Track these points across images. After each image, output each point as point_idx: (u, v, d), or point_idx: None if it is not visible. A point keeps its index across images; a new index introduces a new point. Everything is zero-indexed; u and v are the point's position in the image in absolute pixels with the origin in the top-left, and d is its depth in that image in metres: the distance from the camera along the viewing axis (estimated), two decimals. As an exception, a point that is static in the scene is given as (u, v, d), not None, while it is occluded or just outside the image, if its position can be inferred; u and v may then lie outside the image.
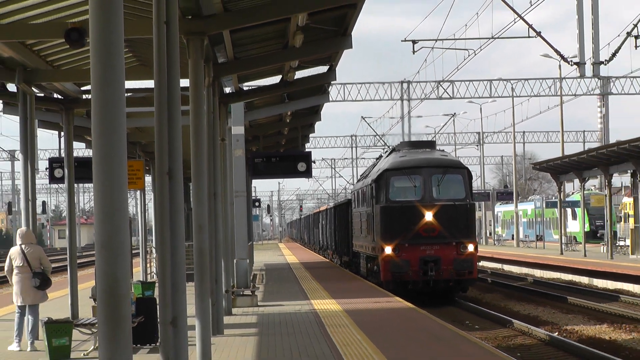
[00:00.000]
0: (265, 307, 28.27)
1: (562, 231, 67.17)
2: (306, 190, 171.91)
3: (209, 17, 18.40)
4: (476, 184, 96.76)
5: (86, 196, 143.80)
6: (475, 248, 34.92)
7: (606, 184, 56.72)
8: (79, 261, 25.76)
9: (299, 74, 28.81)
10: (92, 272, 43.52)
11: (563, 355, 23.49)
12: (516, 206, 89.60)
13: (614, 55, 38.30)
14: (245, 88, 30.02)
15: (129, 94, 25.46)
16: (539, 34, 40.91)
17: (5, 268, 19.60)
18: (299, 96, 32.97)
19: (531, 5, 44.74)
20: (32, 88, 22.29)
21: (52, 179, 29.50)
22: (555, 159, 61.31)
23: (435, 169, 34.96)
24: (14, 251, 19.36)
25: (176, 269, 13.26)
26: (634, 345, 24.82)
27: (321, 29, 23.04)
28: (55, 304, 26.81)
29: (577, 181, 60.78)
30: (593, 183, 79.93)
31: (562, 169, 59.69)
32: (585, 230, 67.15)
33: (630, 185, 61.02)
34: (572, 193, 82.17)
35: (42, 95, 24.59)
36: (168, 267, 13.22)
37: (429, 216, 33.87)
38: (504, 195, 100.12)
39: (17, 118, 22.63)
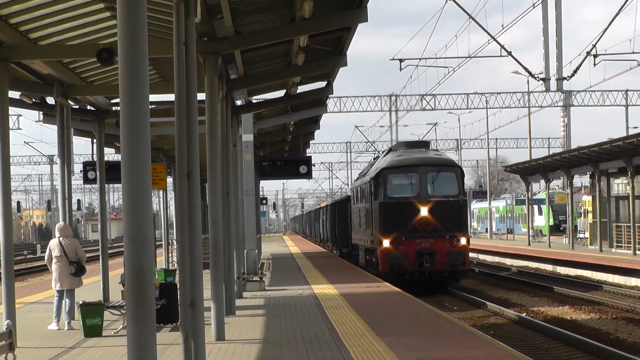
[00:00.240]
0: (271, 291, 28.25)
1: (530, 225, 67.27)
2: (307, 190, 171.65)
3: (223, 39, 18.38)
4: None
5: (115, 195, 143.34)
6: (468, 241, 33.71)
7: (568, 184, 56.73)
8: (109, 252, 25.74)
9: (301, 89, 28.81)
10: (121, 261, 43.57)
11: (530, 332, 23.46)
12: (490, 203, 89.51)
13: (575, 72, 38.26)
14: (254, 101, 29.97)
15: (152, 106, 25.41)
16: (509, 53, 40.86)
17: (46, 258, 19.62)
18: (301, 108, 32.93)
19: (503, 28, 44.79)
20: (68, 101, 22.26)
21: (86, 180, 29.53)
22: (524, 162, 61.32)
23: (430, 167, 33.57)
24: (53, 243, 19.37)
25: (194, 258, 13.24)
26: (592, 324, 24.80)
27: (320, 49, 23.02)
28: (89, 288, 26.77)
29: (542, 182, 60.70)
30: (557, 183, 79.88)
31: (529, 171, 59.64)
32: (550, 224, 67.18)
33: (589, 185, 61.10)
34: (539, 192, 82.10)
35: (77, 107, 24.57)
36: (187, 256, 13.20)
37: (424, 211, 32.58)
38: (479, 194, 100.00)
39: (55, 127, 22.60)
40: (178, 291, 14.72)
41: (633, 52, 46.51)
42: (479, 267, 50.88)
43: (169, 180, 40.40)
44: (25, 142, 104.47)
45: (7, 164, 17.38)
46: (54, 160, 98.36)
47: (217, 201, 18.15)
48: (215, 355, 15.30)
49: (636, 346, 20.89)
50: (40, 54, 18.18)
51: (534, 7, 40.50)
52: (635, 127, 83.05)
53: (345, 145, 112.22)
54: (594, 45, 39.88)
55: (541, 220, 79.46)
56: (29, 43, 17.76)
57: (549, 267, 47.05)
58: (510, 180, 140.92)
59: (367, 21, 18.72)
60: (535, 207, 79.13)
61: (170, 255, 40.88)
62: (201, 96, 18.57)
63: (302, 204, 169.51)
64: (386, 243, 32.48)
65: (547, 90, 40.11)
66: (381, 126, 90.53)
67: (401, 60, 53.45)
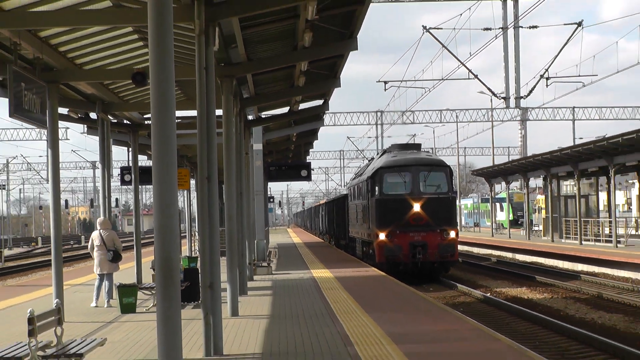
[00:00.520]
0: (277, 274, 28.24)
1: (493, 219, 67.35)
2: (307, 190, 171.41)
3: (237, 64, 18.37)
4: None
5: (147, 194, 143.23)
6: (457, 234, 31.86)
7: (525, 185, 56.71)
8: (142, 242, 25.68)
9: (302, 106, 28.80)
10: (151, 249, 43.43)
11: (493, 309, 23.47)
12: (459, 202, 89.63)
13: (530, 92, 38.41)
14: (263, 116, 29.96)
15: (178, 120, 25.41)
16: (476, 76, 40.95)
17: (89, 247, 19.65)
18: (302, 122, 32.91)
19: (470, 56, 44.89)
20: (108, 116, 22.26)
21: (123, 182, 29.50)
22: (488, 167, 61.30)
23: (422, 167, 31.75)
24: (95, 234, 19.42)
25: (213, 247, 13.21)
26: (545, 302, 24.85)
27: (318, 73, 23.01)
28: (125, 273, 26.71)
29: (503, 183, 60.63)
30: (515, 184, 79.82)
31: (492, 174, 59.62)
32: (510, 219, 67.29)
33: (542, 186, 61.14)
34: (500, 192, 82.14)
35: (115, 121, 24.56)
36: (207, 245, 13.17)
37: (417, 207, 30.74)
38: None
39: (97, 138, 22.60)
40: (199, 275, 14.70)
41: (579, 76, 46.58)
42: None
43: (192, 182, 40.36)
44: (72, 150, 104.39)
45: (57, 169, 17.39)
46: (96, 165, 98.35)
47: (232, 200, 18.14)
48: (231, 328, 15.29)
49: (582, 320, 20.91)
50: (84, 77, 18.17)
51: (496, 38, 40.55)
52: (581, 138, 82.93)
53: (339, 153, 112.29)
54: (547, 70, 39.96)
55: (502, 216, 79.57)
56: (75, 67, 17.76)
57: (509, 255, 47.07)
58: (476, 182, 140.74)
59: (357, 49, 18.74)
60: (498, 204, 79.20)
61: (192, 244, 40.80)
62: (219, 112, 18.57)
63: (303, 202, 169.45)
64: (382, 236, 30.81)
65: (507, 107, 40.23)
66: (369, 137, 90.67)
67: (385, 82, 53.63)
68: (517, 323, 20.71)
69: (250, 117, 27.82)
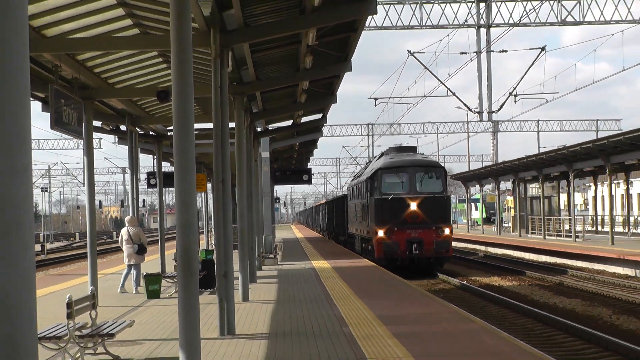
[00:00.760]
0: (282, 265, 28.24)
1: (469, 217, 67.40)
2: (308, 192, 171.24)
3: (247, 83, 18.39)
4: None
5: (169, 196, 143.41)
6: (451, 231, 29.60)
7: (496, 188, 56.70)
8: (165, 236, 25.69)
9: (304, 119, 28.84)
10: (174, 243, 43.50)
11: (468, 294, 23.48)
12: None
13: (501, 107, 38.41)
14: (269, 128, 30.00)
15: (196, 132, 25.45)
16: (454, 94, 41.00)
17: (119, 241, 19.77)
18: (303, 133, 32.94)
19: (449, 76, 45.03)
20: (136, 128, 22.27)
21: (149, 185, 29.62)
22: (464, 172, 61.36)
23: (419, 168, 29.75)
24: (123, 230, 19.50)
25: (227, 241, 13.21)
26: (513, 289, 24.85)
27: (317, 91, 23.05)
28: (151, 263, 26.71)
29: (478, 186, 60.64)
30: (488, 187, 79.98)
31: (468, 178, 59.62)
32: (483, 217, 67.28)
33: (511, 188, 61.18)
34: (475, 194, 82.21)
35: (142, 132, 24.57)
36: (222, 240, 13.17)
37: (413, 206, 28.79)
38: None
39: (126, 147, 22.60)
40: (215, 265, 14.70)
41: (542, 93, 46.62)
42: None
43: (209, 185, 40.43)
44: (105, 157, 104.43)
45: (92, 174, 17.40)
46: (126, 171, 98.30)
47: (243, 200, 18.15)
48: (242, 311, 15.28)
49: (546, 304, 20.90)
50: (115, 94, 18.20)
51: (471, 60, 40.57)
52: (545, 147, 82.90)
53: (335, 160, 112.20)
54: (515, 88, 39.98)
55: (477, 214, 79.55)
56: (107, 86, 17.77)
57: (482, 247, 47.07)
58: (454, 185, 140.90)
59: (351, 70, 18.78)
60: (473, 204, 79.24)
61: (209, 239, 40.82)
62: (231, 124, 18.62)
63: (305, 202, 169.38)
64: (381, 233, 28.83)
65: (481, 120, 40.21)
66: (362, 146, 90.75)
67: (375, 99, 53.68)
68: (490, 307, 20.71)
69: (258, 129, 27.86)
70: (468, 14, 38.05)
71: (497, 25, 37.94)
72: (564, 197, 55.03)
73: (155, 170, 26.90)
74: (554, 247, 35.72)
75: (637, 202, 65.90)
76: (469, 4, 38.15)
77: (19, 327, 3.64)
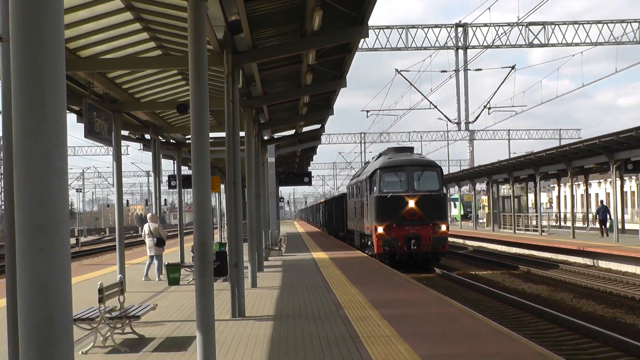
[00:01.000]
0: (286, 256, 28.23)
1: (448, 214, 67.43)
2: (309, 192, 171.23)
3: (255, 97, 18.39)
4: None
5: (187, 196, 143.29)
6: (447, 228, 27.24)
7: (472, 188, 56.73)
8: (184, 231, 25.69)
9: (305, 129, 28.85)
10: (191, 237, 43.63)
11: (449, 282, 23.47)
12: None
13: (476, 118, 38.40)
14: (275, 136, 29.99)
15: (211, 140, 25.44)
16: (435, 106, 40.96)
17: (142, 235, 19.76)
18: (304, 141, 32.97)
19: (431, 91, 45.10)
20: (158, 137, 22.26)
21: (169, 186, 29.50)
22: (445, 175, 61.44)
23: (416, 167, 27.44)
24: (146, 226, 19.53)
25: (238, 235, 13.21)
26: (488, 277, 24.84)
27: (316, 104, 23.04)
28: (172, 255, 26.73)
29: (456, 187, 60.65)
30: (465, 188, 80.00)
31: (448, 180, 59.61)
32: (461, 214, 67.33)
33: (485, 189, 61.19)
34: (454, 194, 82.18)
35: (164, 140, 24.57)
36: (233, 234, 13.16)
37: (411, 203, 26.61)
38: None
39: (150, 153, 22.60)
40: (227, 256, 14.70)
41: (512, 106, 46.62)
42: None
43: (222, 186, 40.45)
44: (131, 162, 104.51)
45: (120, 176, 17.40)
46: (149, 174, 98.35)
47: (252, 200, 18.14)
48: (251, 297, 15.27)
49: (516, 290, 20.89)
50: (140, 107, 18.19)
51: (450, 78, 40.54)
52: (515, 153, 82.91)
53: (332, 164, 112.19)
54: (488, 102, 39.95)
55: (455, 211, 79.57)
56: (133, 100, 17.77)
57: (460, 241, 47.05)
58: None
59: (346, 86, 18.78)
60: (452, 203, 79.25)
61: (222, 233, 40.81)
62: (242, 134, 18.63)
63: (306, 201, 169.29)
64: (380, 230, 26.60)
65: (459, 129, 40.18)
66: (355, 152, 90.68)
67: (367, 111, 53.68)
68: (468, 292, 20.69)
69: (265, 137, 27.87)
70: (447, 37, 38.02)
71: (473, 47, 37.93)
72: (531, 196, 55.04)
73: (175, 173, 26.93)
74: (523, 240, 35.71)
75: (594, 201, 65.87)
76: (448, 29, 38.12)
77: (57, 309, 3.64)
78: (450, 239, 49.70)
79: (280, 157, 37.56)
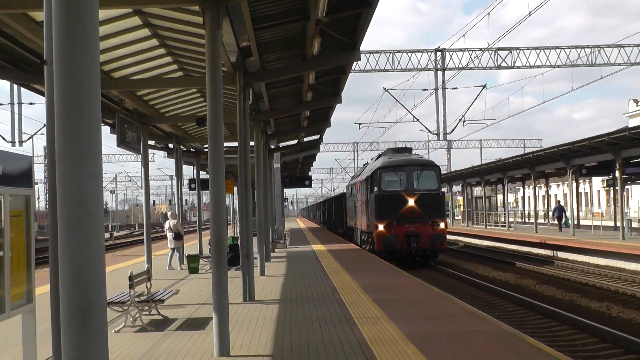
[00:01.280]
0: (290, 248, 28.20)
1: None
2: (309, 193, 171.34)
3: (263, 112, 18.38)
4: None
5: (205, 196, 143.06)
6: (445, 225, 24.47)
7: (450, 190, 56.69)
8: (202, 227, 25.69)
9: (306, 139, 28.81)
10: (208, 232, 43.62)
11: (431, 271, 23.40)
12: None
13: (453, 130, 38.30)
14: (280, 145, 29.96)
15: (225, 149, 25.48)
16: (418, 120, 40.82)
17: (165, 230, 19.80)
18: (305, 149, 32.92)
19: (414, 106, 45.02)
20: (180, 146, 22.26)
21: (190, 188, 29.50)
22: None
23: (415, 167, 24.80)
24: (167, 222, 19.58)
25: (248, 230, 13.20)
26: (463, 265, 24.78)
27: (316, 118, 23.02)
28: (192, 247, 26.71)
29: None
30: (444, 189, 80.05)
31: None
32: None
33: (461, 190, 61.16)
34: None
35: (185, 149, 24.58)
36: (244, 229, 13.15)
37: (411, 202, 24.04)
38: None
39: (173, 160, 22.62)
40: (239, 248, 14.69)
41: (484, 119, 46.63)
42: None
43: (235, 188, 40.44)
44: (157, 167, 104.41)
45: (147, 180, 17.41)
46: (173, 178, 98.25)
47: (261, 200, 18.13)
48: (260, 283, 15.25)
49: (486, 277, 20.86)
50: (165, 121, 18.18)
51: (430, 95, 40.54)
52: (486, 159, 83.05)
53: (329, 170, 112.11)
54: (463, 115, 39.91)
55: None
56: (159, 115, 17.77)
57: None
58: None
59: (341, 102, 18.76)
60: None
61: (235, 229, 40.77)
62: (252, 143, 18.61)
63: (307, 201, 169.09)
64: (381, 227, 24.13)
65: (438, 140, 40.07)
66: (349, 159, 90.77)
67: (360, 124, 53.72)
68: (446, 279, 20.67)
69: (272, 146, 27.85)
70: (428, 61, 38.03)
71: (450, 69, 37.93)
72: (500, 197, 54.95)
73: (195, 177, 26.93)
74: (493, 234, 35.69)
75: (554, 201, 65.93)
76: (429, 53, 38.15)
77: (93, 294, 3.64)
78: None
79: (285, 163, 37.53)
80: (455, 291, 17.54)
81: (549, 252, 27.67)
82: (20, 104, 40.88)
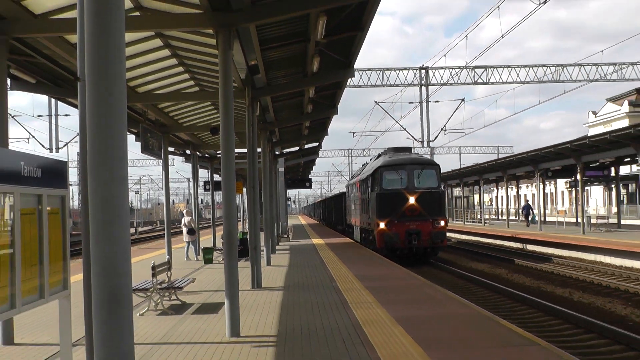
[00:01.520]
0: (293, 242, 28.17)
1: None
2: (310, 194, 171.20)
3: (269, 122, 18.36)
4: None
5: (218, 197, 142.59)
6: (446, 223, 21.79)
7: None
8: (216, 223, 25.69)
9: (307, 146, 28.78)
10: (221, 227, 43.22)
11: (416, 261, 23.38)
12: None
13: (435, 137, 38.28)
14: (284, 151, 29.93)
15: (236, 155, 25.44)
16: (405, 129, 40.95)
17: (181, 225, 19.79)
18: (306, 155, 32.87)
19: (401, 117, 44.99)
20: (196, 152, 22.22)
21: (204, 189, 29.57)
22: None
23: (416, 165, 22.15)
24: (183, 219, 19.58)
25: (256, 226, 13.17)
26: (444, 256, 24.70)
27: (314, 127, 23.00)
28: (206, 241, 26.64)
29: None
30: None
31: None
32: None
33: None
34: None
35: (200, 155, 24.55)
36: (253, 225, 13.13)
37: (412, 200, 21.42)
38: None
39: (190, 164, 22.58)
40: (248, 242, 14.66)
41: (462, 129, 46.76)
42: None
43: (244, 189, 40.36)
44: (176, 171, 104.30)
45: (167, 182, 17.38)
46: (190, 180, 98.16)
47: (267, 199, 18.11)
48: (266, 272, 15.23)
49: (464, 266, 20.82)
50: (183, 130, 18.15)
51: (416, 107, 40.53)
52: (464, 164, 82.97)
53: (327, 173, 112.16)
54: (445, 125, 39.92)
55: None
56: (177, 124, 17.74)
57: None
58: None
59: (337, 114, 18.77)
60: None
61: (244, 224, 40.69)
62: (259, 150, 18.58)
63: (307, 200, 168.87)
64: (382, 225, 21.51)
65: (422, 146, 40.05)
66: (345, 164, 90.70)
67: (354, 132, 53.63)
68: (430, 268, 20.61)
69: (277, 152, 27.82)
70: (414, 77, 38.06)
71: (433, 85, 37.95)
72: (477, 196, 54.96)
73: (209, 179, 26.88)
74: (470, 230, 35.67)
75: (523, 200, 65.90)
76: (414, 71, 38.19)
77: (120, 282, 3.64)
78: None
79: (288, 167, 37.52)
80: (437, 278, 17.52)
81: (519, 245, 27.67)
82: (57, 115, 40.93)
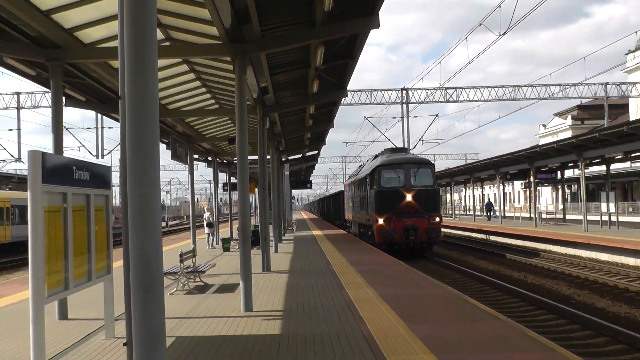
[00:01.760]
0: (297, 233, 28.08)
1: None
2: (310, 193, 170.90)
3: (277, 134, 18.31)
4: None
5: (235, 196, 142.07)
6: (441, 219, 19.61)
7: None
8: (233, 218, 25.58)
9: (308, 154, 28.70)
10: (237, 221, 43.04)
11: (431, 264, 23.23)
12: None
13: (414, 146, 38.25)
14: (289, 158, 29.86)
15: (249, 161, 25.39)
16: (389, 139, 40.71)
17: (203, 219, 19.72)
18: (307, 161, 32.77)
19: (386, 130, 45.03)
20: (216, 159, 22.16)
21: (223, 190, 29.39)
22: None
23: (413, 165, 19.90)
24: (204, 214, 19.54)
25: (266, 220, 13.13)
26: (451, 254, 24.59)
27: (314, 138, 22.95)
28: (224, 232, 26.54)
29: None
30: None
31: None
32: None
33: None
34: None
35: (220, 161, 24.47)
36: (263, 219, 13.08)
37: (409, 197, 19.25)
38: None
39: (211, 169, 22.54)
40: (259, 233, 14.62)
41: (437, 139, 46.66)
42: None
43: (256, 190, 40.26)
44: (200, 175, 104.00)
45: (192, 184, 17.32)
46: (211, 182, 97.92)
47: (275, 198, 18.03)
48: (275, 258, 15.18)
49: (438, 254, 20.75)
50: (205, 140, 18.09)
51: (398, 121, 40.51)
52: (438, 168, 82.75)
53: (325, 176, 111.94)
54: (422, 136, 39.93)
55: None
56: (201, 135, 17.69)
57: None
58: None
59: (333, 127, 18.72)
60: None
61: (256, 219, 40.58)
62: (268, 157, 18.53)
63: (308, 198, 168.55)
64: (381, 221, 19.38)
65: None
66: (339, 168, 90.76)
67: (347, 142, 53.87)
68: (413, 256, 20.49)
69: (283, 159, 27.76)
70: (396, 96, 38.10)
71: (412, 103, 37.98)
72: (449, 195, 54.92)
73: (227, 181, 26.82)
74: (444, 223, 35.61)
75: (486, 198, 65.93)
76: (397, 91, 38.23)
77: (153, 267, 3.62)
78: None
79: (292, 171, 37.39)
80: (421, 265, 17.42)
81: (483, 236, 27.62)
82: (102, 128, 40.81)
